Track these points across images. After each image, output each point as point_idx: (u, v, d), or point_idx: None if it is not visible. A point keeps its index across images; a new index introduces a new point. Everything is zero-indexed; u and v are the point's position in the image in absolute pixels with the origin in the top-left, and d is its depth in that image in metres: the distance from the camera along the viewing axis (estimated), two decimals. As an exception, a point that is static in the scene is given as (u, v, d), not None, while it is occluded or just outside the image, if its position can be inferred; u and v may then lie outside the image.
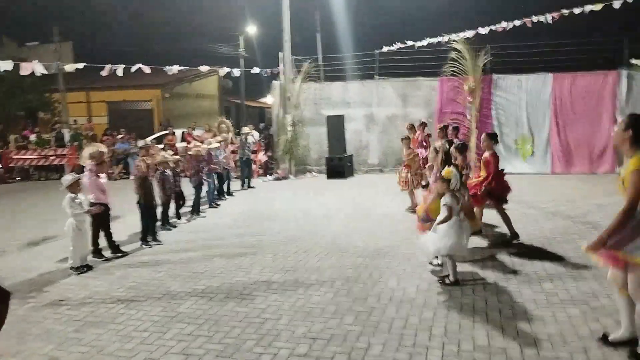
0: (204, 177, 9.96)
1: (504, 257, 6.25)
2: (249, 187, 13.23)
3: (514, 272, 5.64)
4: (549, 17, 12.97)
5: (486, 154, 6.98)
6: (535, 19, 13.06)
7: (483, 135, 7.18)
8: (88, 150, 7.36)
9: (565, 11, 12.42)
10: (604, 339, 3.87)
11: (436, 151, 5.86)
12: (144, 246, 7.54)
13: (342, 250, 6.82)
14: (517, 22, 13.43)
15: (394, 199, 10.72)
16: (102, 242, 7.04)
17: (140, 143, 8.64)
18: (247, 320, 4.59)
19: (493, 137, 7.16)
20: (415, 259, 6.30)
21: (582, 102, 13.77)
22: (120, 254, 7.01)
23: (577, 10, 12.16)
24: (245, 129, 14.03)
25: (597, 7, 11.72)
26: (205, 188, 10.21)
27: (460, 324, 4.33)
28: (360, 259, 6.37)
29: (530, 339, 4.01)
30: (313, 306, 4.88)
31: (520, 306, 4.67)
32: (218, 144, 11.03)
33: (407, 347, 3.97)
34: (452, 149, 6.73)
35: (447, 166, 5.66)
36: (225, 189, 11.80)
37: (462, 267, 5.86)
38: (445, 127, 9.80)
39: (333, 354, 3.91)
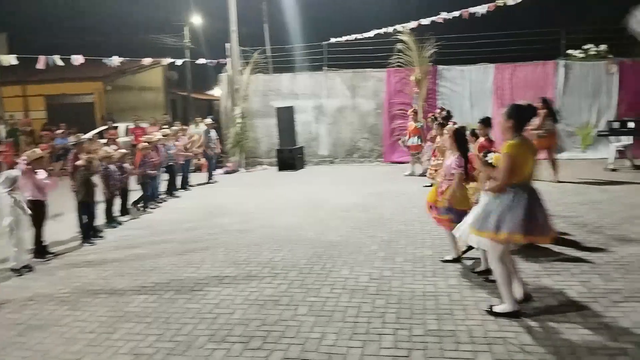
0: (151, 172, 9.68)
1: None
2: (210, 181, 12.93)
3: (463, 258, 5.79)
4: (484, 8, 13.28)
5: (481, 139, 6.82)
6: (472, 10, 13.36)
7: (478, 123, 6.99)
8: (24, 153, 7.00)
9: (500, 2, 12.76)
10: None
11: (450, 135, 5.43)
12: (85, 244, 7.27)
13: (294, 242, 6.81)
14: (456, 13, 13.71)
15: (345, 190, 10.82)
16: (45, 240, 6.73)
17: (72, 139, 8.23)
18: (199, 316, 4.52)
19: (486, 122, 6.98)
20: (367, 248, 6.37)
21: (522, 91, 14.26)
22: (47, 257, 6.66)
23: (510, 1, 12.51)
24: (208, 121, 13.72)
25: None
26: (154, 183, 9.97)
27: (412, 310, 4.42)
28: (313, 250, 6.38)
29: (478, 321, 4.14)
30: (266, 298, 4.86)
31: (471, 290, 4.82)
32: (162, 136, 10.70)
33: (361, 334, 4.02)
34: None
35: (463, 151, 5.39)
36: (179, 184, 11.58)
37: (412, 254, 5.99)
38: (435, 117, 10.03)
39: (287, 345, 3.91)
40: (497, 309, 4.23)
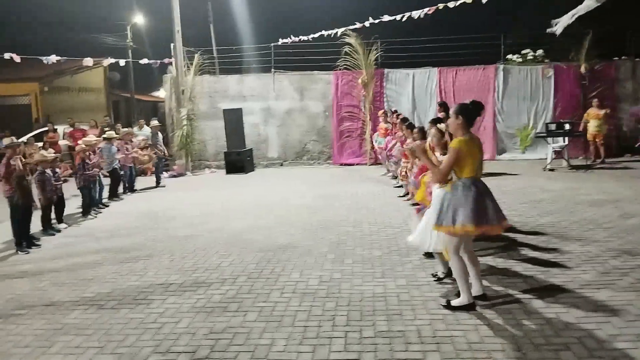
0: (90, 176, 9.28)
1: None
2: (158, 185, 12.55)
3: (410, 258, 5.86)
4: (424, 11, 13.53)
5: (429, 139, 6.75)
6: (415, 14, 13.59)
7: (429, 123, 6.90)
8: None
9: (440, 5, 13.04)
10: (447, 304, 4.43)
11: (441, 133, 5.27)
12: (19, 252, 6.88)
13: (243, 247, 6.69)
14: (398, 16, 13.92)
15: (294, 192, 10.76)
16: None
17: (7, 141, 7.82)
18: (142, 327, 4.34)
19: (436, 122, 6.84)
20: (317, 250, 6.34)
21: (465, 94, 14.68)
22: None
23: (451, 4, 12.81)
24: (154, 123, 13.30)
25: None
26: (95, 187, 9.57)
27: (362, 312, 4.42)
28: (262, 254, 6.29)
29: (426, 321, 4.18)
30: (214, 305, 4.73)
31: (419, 290, 4.87)
32: (96, 140, 10.24)
33: (311, 339, 3.97)
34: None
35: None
36: (123, 188, 11.27)
37: (362, 256, 6.01)
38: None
39: (236, 353, 3.81)
40: (455, 302, 4.36)
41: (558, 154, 12.28)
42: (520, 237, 6.50)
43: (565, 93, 14.46)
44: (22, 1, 25.65)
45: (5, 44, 16.73)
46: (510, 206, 8.19)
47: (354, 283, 5.13)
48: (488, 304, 4.43)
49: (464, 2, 12.19)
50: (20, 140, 8.23)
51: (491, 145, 14.59)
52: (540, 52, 14.83)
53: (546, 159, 12.50)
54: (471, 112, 4.30)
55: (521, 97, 14.64)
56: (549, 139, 12.46)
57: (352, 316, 4.34)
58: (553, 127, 12.63)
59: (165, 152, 13.24)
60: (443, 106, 9.43)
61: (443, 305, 4.41)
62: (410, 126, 8.62)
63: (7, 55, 13.42)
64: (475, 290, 4.46)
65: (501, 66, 14.74)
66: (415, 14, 13.31)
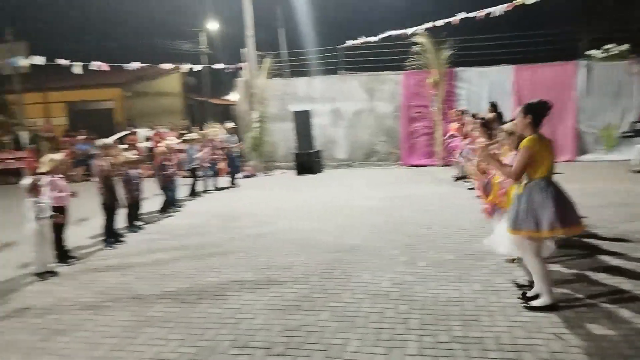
0: (170, 177, 9.75)
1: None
2: (233, 185, 13.02)
3: (486, 262, 5.69)
4: (502, 8, 13.09)
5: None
6: (490, 10, 13.17)
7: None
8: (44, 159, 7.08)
9: (518, 1, 12.57)
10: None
11: (510, 134, 5.25)
12: (107, 247, 7.34)
13: (314, 246, 6.77)
14: (473, 14, 13.55)
15: (363, 193, 10.75)
16: (68, 244, 6.79)
17: (99, 142, 8.35)
18: (221, 321, 4.50)
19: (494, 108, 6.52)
20: (388, 252, 6.30)
21: (543, 92, 13.98)
22: (70, 261, 6.72)
23: (529, 1, 12.31)
24: (229, 126, 13.84)
25: None
26: (175, 187, 10.08)
27: (436, 316, 4.34)
28: (332, 254, 6.33)
29: (505, 328, 4.05)
30: (288, 304, 4.82)
31: (497, 296, 4.72)
32: (181, 142, 10.79)
33: (385, 341, 3.96)
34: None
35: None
36: (202, 188, 11.74)
37: (434, 259, 5.91)
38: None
39: (310, 351, 3.87)
40: (535, 303, 4.29)
41: (646, 154, 11.49)
42: (604, 244, 6.14)
43: (654, 90, 13.51)
44: (103, 12, 27.32)
45: (90, 51, 17.89)
46: (593, 210, 7.74)
47: (428, 286, 5.05)
48: (573, 312, 4.22)
49: None
50: (107, 140, 8.74)
51: (572, 146, 13.88)
52: (625, 46, 13.94)
53: (632, 160, 11.72)
54: (539, 110, 4.23)
55: (604, 95, 13.81)
56: (636, 139, 11.68)
57: (426, 320, 4.28)
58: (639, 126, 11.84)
59: (239, 153, 13.66)
60: (494, 107, 9.11)
61: (523, 306, 4.33)
62: (485, 124, 8.37)
63: (94, 65, 14.36)
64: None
65: (582, 62, 13.98)
66: (493, 10, 12.90)
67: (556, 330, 3.93)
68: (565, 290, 4.68)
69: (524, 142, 4.18)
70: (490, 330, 4.03)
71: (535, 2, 12.44)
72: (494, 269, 5.42)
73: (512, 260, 5.39)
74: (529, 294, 4.46)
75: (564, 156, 14.01)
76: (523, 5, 12.68)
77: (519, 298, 4.51)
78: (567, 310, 4.26)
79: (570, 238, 5.71)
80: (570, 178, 10.68)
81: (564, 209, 4.09)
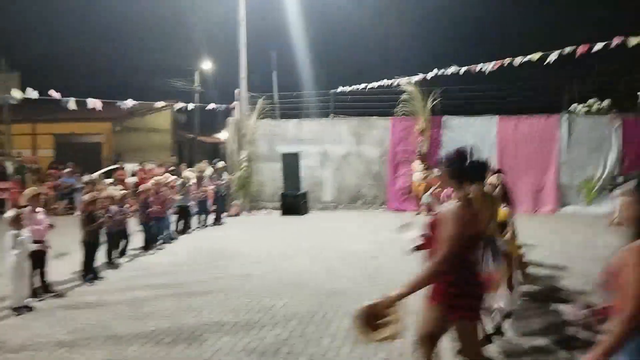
0: (154, 214, 9.72)
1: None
2: (218, 223, 13.02)
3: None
4: (490, 65, 13.60)
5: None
6: (478, 67, 13.67)
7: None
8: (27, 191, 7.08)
9: (506, 60, 13.08)
10: None
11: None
12: (85, 283, 7.24)
13: (296, 289, 6.74)
14: (464, 69, 14.03)
15: (349, 236, 10.77)
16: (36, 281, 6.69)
17: (85, 178, 8.39)
18: (197, 364, 4.43)
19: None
20: (370, 297, 6.27)
21: (526, 144, 14.44)
22: (51, 294, 6.63)
23: (517, 60, 12.85)
24: (220, 164, 13.93)
25: (535, 57, 12.43)
26: (166, 224, 10.15)
27: (415, 364, 4.32)
28: (314, 298, 6.31)
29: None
30: (266, 348, 4.78)
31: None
32: (170, 179, 10.84)
33: (362, 388, 3.92)
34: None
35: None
36: (186, 226, 11.71)
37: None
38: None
39: (287, 397, 3.81)
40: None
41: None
42: (586, 292, 6.20)
43: (634, 145, 13.88)
44: (99, 48, 27.73)
45: (82, 85, 18.06)
46: (573, 262, 7.84)
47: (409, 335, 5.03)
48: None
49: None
50: (94, 176, 8.80)
51: (553, 197, 14.13)
52: (606, 102, 14.42)
53: (613, 212, 11.92)
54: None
55: (586, 149, 14.18)
56: (615, 193, 11.94)
57: (405, 368, 4.26)
58: (621, 180, 12.12)
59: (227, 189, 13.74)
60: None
61: None
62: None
63: (90, 102, 14.46)
64: None
65: (565, 116, 14.41)
66: (484, 67, 13.39)
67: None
68: (537, 343, 4.70)
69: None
70: (468, 380, 4.01)
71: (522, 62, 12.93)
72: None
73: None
74: None
75: (545, 207, 14.23)
76: (511, 62, 13.18)
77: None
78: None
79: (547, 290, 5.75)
80: (551, 230, 10.86)
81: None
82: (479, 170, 3.58)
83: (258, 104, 16.11)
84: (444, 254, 3.19)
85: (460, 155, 3.38)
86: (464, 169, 3.34)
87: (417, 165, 13.83)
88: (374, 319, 3.16)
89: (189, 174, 12.06)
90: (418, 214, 12.41)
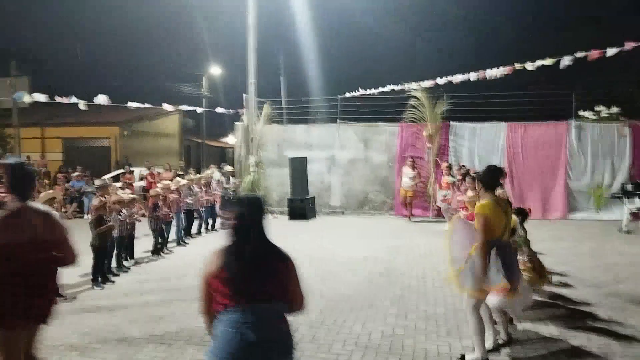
0: (163, 218, 9.75)
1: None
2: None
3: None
4: (501, 71, 13.59)
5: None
6: (489, 72, 13.66)
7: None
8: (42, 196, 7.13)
9: (518, 66, 13.07)
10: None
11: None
12: (95, 287, 7.27)
13: (305, 293, 6.72)
14: (473, 75, 14.02)
15: (356, 241, 10.77)
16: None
17: (98, 182, 8.43)
18: (209, 368, 4.44)
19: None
20: (380, 303, 6.29)
21: (534, 150, 14.41)
22: (61, 298, 6.65)
23: (529, 66, 12.83)
24: (228, 169, 14.00)
25: (548, 62, 12.44)
26: (173, 227, 10.16)
27: (426, 370, 4.32)
28: (324, 303, 6.31)
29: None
30: (277, 353, 4.77)
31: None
32: (179, 183, 10.87)
33: (374, 395, 3.92)
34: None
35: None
36: (196, 229, 11.77)
37: (425, 312, 5.89)
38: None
39: (299, 403, 3.82)
40: (468, 356, 4.43)
41: (635, 215, 11.66)
42: (594, 302, 6.17)
43: (643, 152, 13.85)
44: (109, 52, 27.91)
45: (91, 90, 18.18)
46: (583, 269, 7.81)
47: (418, 340, 5.04)
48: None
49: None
50: (106, 180, 8.83)
51: (563, 204, 14.08)
52: (615, 109, 14.38)
53: (622, 220, 11.88)
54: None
55: (595, 156, 14.15)
56: (625, 200, 11.88)
57: (416, 374, 4.26)
58: (630, 187, 12.06)
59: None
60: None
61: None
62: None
63: (98, 99, 14.63)
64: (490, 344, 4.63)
65: (574, 123, 14.37)
66: (494, 73, 13.39)
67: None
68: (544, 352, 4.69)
69: (477, 208, 4.26)
70: (480, 387, 4.01)
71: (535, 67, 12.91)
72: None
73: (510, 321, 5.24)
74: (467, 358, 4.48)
75: (554, 214, 14.17)
76: (523, 68, 13.16)
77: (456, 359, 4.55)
78: None
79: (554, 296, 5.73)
80: (561, 236, 10.82)
81: (509, 271, 4.18)
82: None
83: (265, 109, 16.17)
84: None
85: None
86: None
87: (408, 170, 13.79)
88: None
89: (192, 177, 12.10)
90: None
